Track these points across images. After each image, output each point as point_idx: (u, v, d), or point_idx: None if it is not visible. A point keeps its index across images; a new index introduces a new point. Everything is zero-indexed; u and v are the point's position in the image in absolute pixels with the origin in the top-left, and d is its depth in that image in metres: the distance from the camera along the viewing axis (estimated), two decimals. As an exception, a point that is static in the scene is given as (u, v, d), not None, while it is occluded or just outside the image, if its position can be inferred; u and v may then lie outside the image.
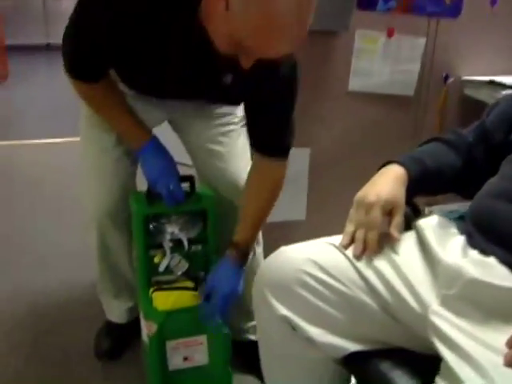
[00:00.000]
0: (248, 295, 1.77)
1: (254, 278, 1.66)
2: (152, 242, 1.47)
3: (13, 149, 3.87)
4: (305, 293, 1.10)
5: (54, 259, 2.53)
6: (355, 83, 2.13)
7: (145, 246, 1.47)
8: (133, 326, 1.90)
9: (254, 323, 1.82)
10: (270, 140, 1.45)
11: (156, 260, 1.47)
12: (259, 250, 1.78)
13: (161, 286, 1.49)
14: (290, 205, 2.24)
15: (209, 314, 1.47)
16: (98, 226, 1.66)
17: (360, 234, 1.13)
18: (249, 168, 1.61)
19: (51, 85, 5.50)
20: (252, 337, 1.84)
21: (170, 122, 1.68)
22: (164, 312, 1.46)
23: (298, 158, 2.15)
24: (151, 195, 1.47)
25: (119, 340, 1.94)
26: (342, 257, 1.13)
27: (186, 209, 1.49)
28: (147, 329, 1.50)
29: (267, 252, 1.80)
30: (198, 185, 1.57)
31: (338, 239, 1.17)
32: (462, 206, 1.24)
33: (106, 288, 1.86)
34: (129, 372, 1.86)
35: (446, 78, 2.23)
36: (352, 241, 1.14)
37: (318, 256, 1.13)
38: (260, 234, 1.75)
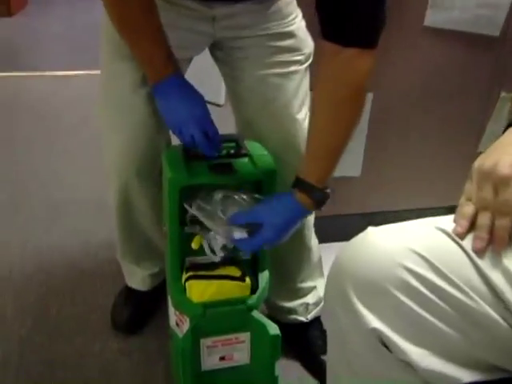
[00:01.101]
0: (296, 266, 1.52)
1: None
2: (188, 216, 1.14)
3: (29, 80, 3.59)
4: (405, 298, 0.79)
5: (69, 208, 2.29)
6: (433, 17, 1.77)
7: (178, 222, 1.15)
8: (156, 293, 1.65)
9: (301, 302, 1.57)
10: (358, 22, 1.01)
11: (194, 245, 1.15)
12: None
13: (197, 273, 1.18)
14: (344, 158, 1.91)
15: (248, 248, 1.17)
16: (120, 180, 1.37)
17: (484, 219, 0.81)
18: (306, 124, 1.29)
19: (71, 14, 5.21)
20: (300, 318, 1.58)
21: (215, 51, 1.36)
22: (200, 305, 1.16)
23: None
24: (190, 153, 1.14)
25: (140, 310, 1.70)
26: (458, 249, 0.81)
27: (234, 180, 1.15)
28: (178, 320, 1.22)
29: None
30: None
31: (448, 222, 0.85)
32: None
33: (126, 253, 1.61)
34: (149, 347, 1.62)
35: (540, 16, 1.86)
36: (471, 227, 0.82)
37: (423, 246, 0.81)
38: None
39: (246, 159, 1.15)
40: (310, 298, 1.56)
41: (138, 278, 1.65)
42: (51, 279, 1.88)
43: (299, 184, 1.11)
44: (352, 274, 0.83)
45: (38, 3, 5.39)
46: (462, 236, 0.82)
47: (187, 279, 1.19)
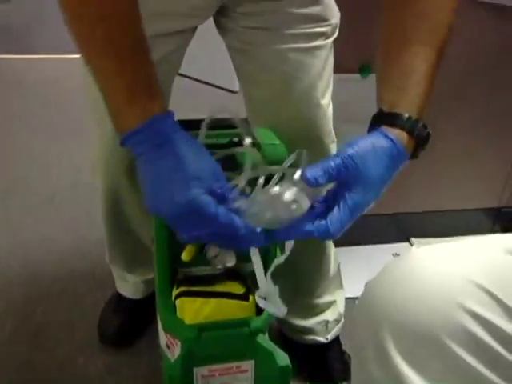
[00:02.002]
0: (313, 279, 1.30)
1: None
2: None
3: (34, 63, 3.40)
4: (467, 355, 0.57)
5: (66, 197, 2.09)
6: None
7: (168, 230, 0.93)
8: (150, 302, 1.45)
9: (319, 319, 1.37)
10: None
11: (185, 257, 0.92)
12: None
13: (190, 289, 0.96)
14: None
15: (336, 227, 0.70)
16: (108, 178, 1.20)
17: None
18: (329, 111, 1.12)
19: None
20: (319, 338, 1.37)
21: (220, 18, 1.10)
22: (193, 328, 0.94)
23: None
24: None
25: (131, 321, 1.50)
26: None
27: (238, 175, 0.89)
28: (169, 342, 1.03)
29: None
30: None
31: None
32: None
33: (116, 257, 1.42)
34: (140, 365, 1.42)
35: None
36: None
37: (490, 277, 0.60)
38: None
39: (253, 149, 0.92)
40: (329, 315, 1.35)
41: (129, 284, 1.45)
42: (38, 278, 1.70)
43: (395, 118, 0.75)
44: (390, 316, 0.60)
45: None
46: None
47: (178, 295, 0.98)
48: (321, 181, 0.69)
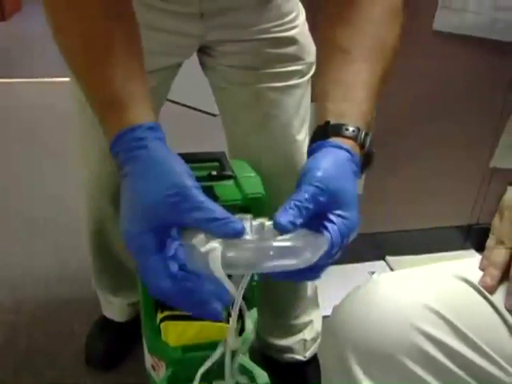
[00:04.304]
0: (291, 302, 1.36)
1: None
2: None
3: (22, 87, 3.43)
4: (422, 372, 0.63)
5: (51, 223, 2.11)
6: (443, 21, 1.61)
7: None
8: (136, 324, 1.49)
9: (298, 338, 1.41)
10: None
11: None
12: None
13: (174, 313, 1.02)
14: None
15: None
16: (93, 205, 1.22)
17: None
18: (305, 146, 1.15)
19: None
20: (297, 356, 1.42)
21: (203, 57, 1.16)
22: (179, 349, 1.00)
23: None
24: None
25: (117, 343, 1.53)
26: (488, 307, 0.66)
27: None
28: (154, 363, 1.08)
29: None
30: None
31: (471, 268, 0.69)
32: None
33: (101, 281, 1.45)
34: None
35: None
36: (504, 277, 0.66)
37: (442, 301, 0.66)
38: None
39: (230, 182, 0.98)
40: (306, 334, 1.40)
41: (115, 307, 1.49)
42: (23, 303, 1.72)
43: (345, 129, 0.67)
44: (353, 337, 0.67)
45: (32, 6, 5.24)
46: (492, 290, 0.66)
47: (163, 319, 1.03)
48: (298, 221, 0.57)
